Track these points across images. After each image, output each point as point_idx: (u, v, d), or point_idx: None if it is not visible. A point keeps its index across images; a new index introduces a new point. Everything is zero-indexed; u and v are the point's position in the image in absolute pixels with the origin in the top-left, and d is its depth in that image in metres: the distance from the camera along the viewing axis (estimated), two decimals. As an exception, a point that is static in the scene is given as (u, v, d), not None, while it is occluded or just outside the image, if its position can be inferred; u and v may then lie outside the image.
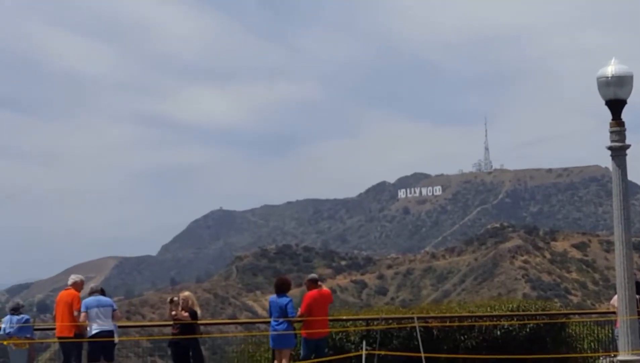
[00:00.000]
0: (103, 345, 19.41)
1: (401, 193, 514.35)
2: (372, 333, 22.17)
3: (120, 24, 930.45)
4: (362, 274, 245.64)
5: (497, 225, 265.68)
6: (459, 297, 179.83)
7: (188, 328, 20.21)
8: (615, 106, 18.63)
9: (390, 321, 22.72)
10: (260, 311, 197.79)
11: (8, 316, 19.84)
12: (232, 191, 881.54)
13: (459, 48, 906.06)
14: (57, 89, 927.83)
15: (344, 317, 23.13)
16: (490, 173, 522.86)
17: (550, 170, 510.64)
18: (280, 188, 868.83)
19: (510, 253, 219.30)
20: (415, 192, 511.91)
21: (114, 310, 19.94)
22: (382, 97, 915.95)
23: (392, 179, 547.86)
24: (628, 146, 18.64)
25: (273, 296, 20.38)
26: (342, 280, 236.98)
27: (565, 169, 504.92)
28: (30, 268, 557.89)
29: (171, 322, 20.68)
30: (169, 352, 21.05)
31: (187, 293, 21.16)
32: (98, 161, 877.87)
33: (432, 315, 23.82)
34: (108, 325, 19.59)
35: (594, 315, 27.76)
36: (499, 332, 23.33)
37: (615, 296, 19.80)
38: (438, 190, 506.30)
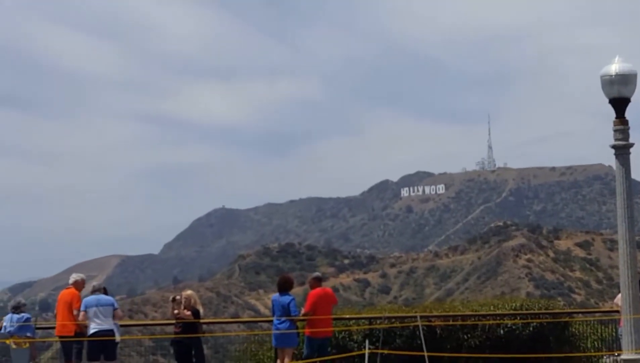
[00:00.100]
0: (102, 344, 19.34)
1: (404, 192, 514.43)
2: (375, 332, 22.12)
3: (121, 22, 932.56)
4: (365, 273, 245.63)
5: (501, 224, 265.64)
6: (462, 296, 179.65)
7: (190, 327, 20.18)
8: (619, 104, 18.59)
9: (393, 320, 22.67)
10: (262, 310, 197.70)
11: (9, 315, 19.84)
12: (234, 189, 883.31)
13: (461, 46, 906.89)
14: (59, 87, 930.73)
15: (347, 316, 23.08)
16: (493, 171, 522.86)
17: (553, 168, 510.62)
18: (283, 186, 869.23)
19: (514, 252, 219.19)
20: (418, 190, 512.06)
21: (114, 309, 19.85)
22: (385, 96, 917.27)
23: (395, 177, 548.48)
24: (632, 145, 18.60)
25: (275, 295, 20.32)
26: (345, 279, 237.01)
27: (569, 167, 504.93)
28: (32, 267, 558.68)
29: (174, 321, 20.66)
30: (172, 351, 21.03)
31: (189, 291, 21.14)
32: (100, 160, 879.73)
33: (435, 313, 23.75)
34: (107, 325, 19.50)
35: (597, 314, 27.67)
36: (502, 331, 23.28)
37: (619, 295, 19.76)
38: (441, 189, 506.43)
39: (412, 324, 22.22)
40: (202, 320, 20.93)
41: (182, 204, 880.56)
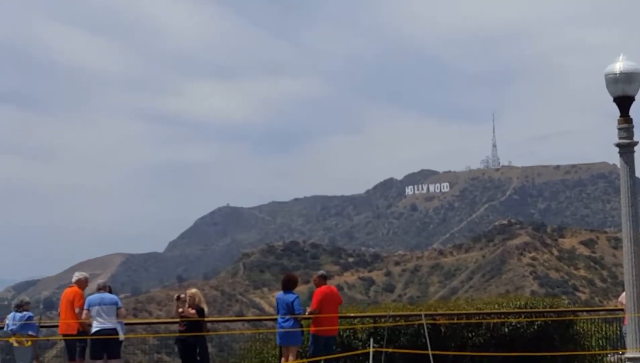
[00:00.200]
0: (105, 342, 19.35)
1: (408, 190, 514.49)
2: (379, 330, 22.11)
3: (124, 19, 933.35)
4: (370, 271, 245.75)
5: (505, 222, 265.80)
6: (466, 294, 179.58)
7: (195, 325, 20.20)
8: (624, 102, 18.55)
9: (398, 318, 22.65)
10: (267, 308, 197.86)
11: (12, 313, 19.85)
12: (239, 187, 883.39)
13: (465, 44, 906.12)
14: (62, 85, 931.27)
15: (352, 314, 23.07)
16: (497, 169, 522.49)
17: (558, 167, 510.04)
18: (288, 184, 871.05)
19: (518, 250, 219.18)
20: (422, 189, 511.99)
21: (118, 308, 19.82)
22: (389, 94, 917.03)
23: (399, 176, 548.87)
24: (636, 143, 18.56)
25: (280, 293, 20.33)
26: (349, 277, 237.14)
27: (573, 166, 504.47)
28: (36, 265, 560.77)
29: (178, 319, 20.65)
30: (176, 349, 21.06)
31: (194, 290, 21.13)
32: (105, 158, 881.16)
33: (439, 312, 23.72)
34: (110, 323, 19.48)
35: (602, 312, 27.61)
36: (506, 329, 23.25)
37: (624, 294, 19.73)
38: (445, 187, 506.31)
39: (417, 322, 22.22)
40: (206, 319, 20.91)
41: (187, 202, 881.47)
